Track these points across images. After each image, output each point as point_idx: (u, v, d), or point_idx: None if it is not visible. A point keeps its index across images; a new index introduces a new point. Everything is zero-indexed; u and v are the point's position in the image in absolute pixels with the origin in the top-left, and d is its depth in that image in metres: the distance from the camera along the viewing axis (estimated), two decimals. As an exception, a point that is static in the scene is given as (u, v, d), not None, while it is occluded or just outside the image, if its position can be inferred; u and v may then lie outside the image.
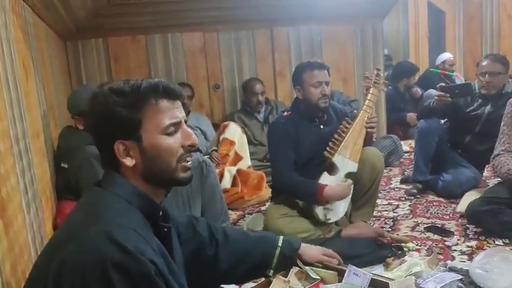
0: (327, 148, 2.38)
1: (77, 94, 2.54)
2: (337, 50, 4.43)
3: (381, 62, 4.51)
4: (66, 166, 2.34)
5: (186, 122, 1.13)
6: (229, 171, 3.42)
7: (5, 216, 1.28)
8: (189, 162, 1.13)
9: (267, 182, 3.40)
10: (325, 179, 2.39)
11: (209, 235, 1.43)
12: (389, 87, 4.87)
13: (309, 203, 2.41)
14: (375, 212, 2.74)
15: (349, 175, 2.39)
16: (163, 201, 1.18)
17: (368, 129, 2.38)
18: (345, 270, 1.49)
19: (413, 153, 3.51)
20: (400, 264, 1.98)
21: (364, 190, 2.50)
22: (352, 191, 2.42)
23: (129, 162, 1.06)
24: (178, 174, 1.11)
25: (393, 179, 3.72)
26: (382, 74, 2.51)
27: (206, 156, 3.05)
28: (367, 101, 2.45)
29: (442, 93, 3.03)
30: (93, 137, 1.11)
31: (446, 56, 6.05)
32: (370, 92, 2.46)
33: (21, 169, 1.58)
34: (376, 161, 2.49)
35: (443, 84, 3.43)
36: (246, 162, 3.59)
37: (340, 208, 2.43)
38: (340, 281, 1.50)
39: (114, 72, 4.05)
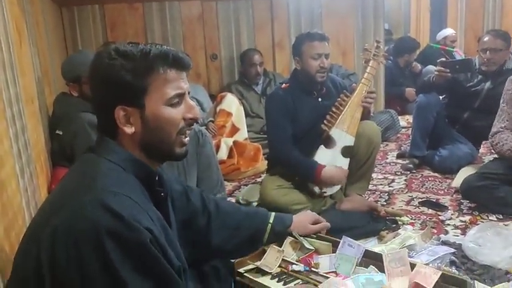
0: (324, 121, 2.36)
1: (72, 60, 2.50)
2: (338, 23, 4.37)
3: (382, 36, 4.45)
4: (61, 133, 2.32)
5: (189, 93, 1.10)
6: (226, 143, 3.41)
7: (-2, 180, 1.27)
8: (186, 138, 1.11)
9: (263, 154, 3.40)
10: (321, 152, 2.38)
11: (202, 205, 1.42)
12: (389, 61, 4.83)
13: (303, 178, 2.40)
14: (370, 185, 2.75)
15: (346, 149, 2.38)
16: (158, 168, 1.16)
17: (364, 104, 2.36)
18: (339, 242, 1.50)
19: (410, 128, 3.50)
20: (394, 237, 1.99)
21: (360, 164, 2.49)
22: (348, 164, 2.42)
23: (128, 129, 1.03)
24: (175, 148, 1.09)
25: (389, 153, 3.72)
26: (381, 47, 2.47)
27: (203, 127, 3.03)
28: (366, 73, 2.42)
29: (442, 68, 3.00)
30: (92, 98, 1.08)
31: (448, 31, 5.98)
32: (370, 64, 2.42)
33: (14, 133, 1.56)
34: (373, 136, 2.48)
35: (443, 59, 3.40)
36: (242, 134, 3.58)
37: (336, 181, 2.43)
38: (334, 251, 1.50)
39: (110, 40, 3.98)
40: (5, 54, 1.56)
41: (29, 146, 1.79)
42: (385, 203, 2.63)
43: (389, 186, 2.92)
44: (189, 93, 1.11)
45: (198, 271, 1.40)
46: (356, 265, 1.42)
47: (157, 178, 1.13)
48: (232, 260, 1.49)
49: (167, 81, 1.03)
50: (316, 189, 2.38)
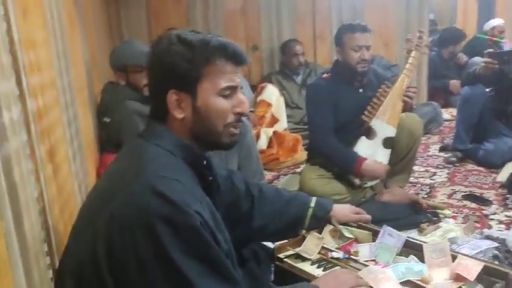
0: (365, 112, 2.35)
1: (118, 50, 2.58)
2: (380, 14, 4.30)
3: (426, 27, 4.35)
4: (108, 120, 2.41)
5: (241, 89, 1.12)
6: (266, 133, 3.44)
7: (54, 162, 1.35)
8: (236, 129, 1.12)
9: (302, 145, 3.41)
10: (362, 143, 2.37)
11: (245, 189, 1.44)
12: (433, 52, 4.71)
13: (342, 169, 2.40)
14: (411, 178, 2.72)
15: (387, 140, 2.36)
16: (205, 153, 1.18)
17: (405, 99, 2.32)
18: (379, 231, 1.50)
19: (454, 121, 3.43)
20: (434, 230, 1.97)
21: (401, 156, 2.47)
22: (389, 155, 2.39)
23: (178, 114, 1.06)
24: (223, 138, 1.10)
25: (432, 146, 3.65)
26: (424, 37, 2.43)
27: (244, 117, 3.07)
28: (408, 64, 2.38)
29: (489, 59, 2.92)
30: (148, 81, 1.11)
31: (496, 21, 5.75)
32: (412, 55, 2.39)
33: (67, 120, 1.64)
34: (415, 128, 2.44)
35: (491, 50, 3.29)
36: (282, 125, 3.60)
37: (377, 173, 2.41)
38: (373, 241, 1.51)
39: (154, 30, 4.07)
40: (59, 44, 1.64)
41: (80, 133, 1.88)
42: (426, 196, 2.59)
43: (431, 179, 2.88)
44: (241, 88, 1.13)
45: (238, 255, 1.43)
46: (396, 254, 1.42)
47: (205, 162, 1.16)
48: (272, 246, 1.52)
49: (222, 72, 1.05)
50: (356, 180, 2.37)
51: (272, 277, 1.49)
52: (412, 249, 1.43)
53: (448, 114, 4.37)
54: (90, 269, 0.94)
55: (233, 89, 1.08)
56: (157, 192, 0.92)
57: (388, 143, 2.36)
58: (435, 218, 2.23)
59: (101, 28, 3.28)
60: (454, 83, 4.63)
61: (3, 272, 0.83)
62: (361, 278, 1.25)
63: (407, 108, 2.38)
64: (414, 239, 1.49)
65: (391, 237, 1.47)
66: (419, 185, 2.78)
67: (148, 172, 0.97)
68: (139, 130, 2.24)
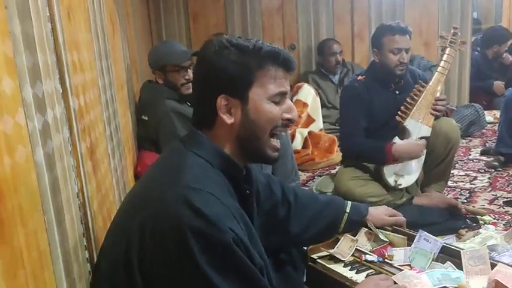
0: (399, 112, 2.31)
1: (157, 49, 2.64)
2: (421, 12, 4.21)
3: (469, 26, 4.24)
4: (147, 118, 2.46)
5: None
6: (301, 133, 3.43)
7: (94, 159, 1.39)
8: (277, 143, 1.11)
9: (338, 146, 3.38)
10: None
11: (282, 196, 1.42)
12: (476, 52, 4.57)
13: (377, 161, 2.35)
14: (450, 182, 2.65)
15: (422, 139, 2.31)
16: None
17: (433, 112, 2.26)
18: (415, 236, 1.47)
19: (497, 123, 3.31)
20: (473, 236, 1.92)
21: (437, 162, 2.41)
22: (424, 157, 2.34)
23: (227, 118, 1.04)
24: (266, 150, 1.09)
25: (473, 150, 3.54)
26: (459, 34, 2.36)
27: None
28: (442, 62, 2.33)
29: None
30: (195, 84, 1.11)
31: (544, 20, 5.53)
32: (446, 52, 2.33)
33: (107, 117, 1.69)
34: (451, 133, 2.37)
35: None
36: (318, 125, 3.59)
37: (412, 174, 2.37)
38: (409, 245, 1.48)
39: (192, 31, 4.13)
40: (100, 45, 1.68)
41: (119, 130, 1.93)
42: (465, 201, 2.52)
43: (471, 184, 2.79)
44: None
45: (274, 259, 1.43)
46: (432, 260, 1.39)
47: (245, 173, 1.14)
48: (305, 247, 1.51)
49: (273, 78, 1.05)
50: (391, 180, 2.33)
51: (304, 278, 1.49)
52: (449, 256, 1.40)
53: (491, 116, 4.23)
54: (123, 275, 0.95)
55: (283, 95, 1.07)
56: (190, 204, 0.91)
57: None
58: (474, 224, 2.16)
59: (141, 29, 3.35)
60: (498, 84, 4.47)
61: (45, 264, 0.87)
62: (396, 282, 1.24)
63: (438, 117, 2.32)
64: (451, 245, 1.45)
65: (427, 242, 1.44)
66: (459, 190, 2.70)
67: (183, 183, 0.96)
68: (177, 129, 2.30)
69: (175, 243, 0.89)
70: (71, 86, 1.18)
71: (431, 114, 2.28)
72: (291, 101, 3.42)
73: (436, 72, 2.32)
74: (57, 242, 0.94)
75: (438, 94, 2.32)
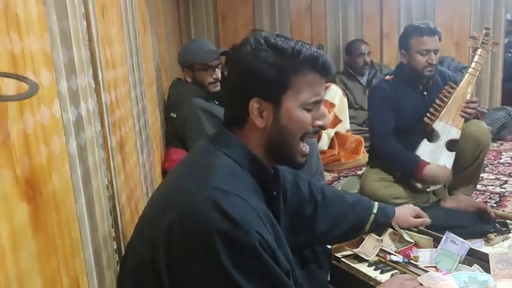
0: (428, 114, 2.27)
1: (186, 48, 2.67)
2: (452, 13, 4.14)
3: (502, 27, 4.14)
4: (175, 116, 2.50)
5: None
6: (327, 133, 3.42)
7: (123, 153, 1.42)
8: (306, 149, 1.08)
9: (365, 147, 3.35)
10: (424, 146, 2.30)
11: (309, 193, 1.42)
12: (510, 54, 4.46)
13: (404, 176, 2.33)
14: (479, 186, 2.60)
15: (450, 142, 2.27)
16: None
17: (463, 115, 2.22)
18: (441, 237, 1.46)
19: (530, 127, 3.22)
20: (502, 241, 1.87)
21: (466, 165, 2.36)
22: (453, 160, 2.30)
23: (259, 122, 1.02)
24: (295, 155, 1.07)
25: (504, 153, 3.46)
26: (491, 34, 2.31)
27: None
28: (473, 63, 2.28)
29: None
30: (228, 83, 1.09)
31: None
32: (478, 53, 2.28)
33: (137, 113, 1.73)
34: (481, 137, 2.32)
35: None
36: (344, 126, 3.56)
37: (441, 177, 2.33)
38: (435, 247, 1.46)
39: (221, 30, 4.17)
40: (132, 41, 1.73)
41: (148, 126, 1.97)
42: (495, 205, 2.47)
43: (502, 188, 2.73)
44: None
45: (299, 257, 1.41)
46: (459, 262, 1.37)
47: (272, 173, 1.13)
48: (330, 245, 1.51)
49: (309, 84, 1.01)
50: (418, 184, 2.30)
51: (328, 277, 1.49)
52: (477, 258, 1.38)
53: (524, 120, 4.12)
54: (150, 273, 0.95)
55: (318, 103, 1.04)
56: (218, 207, 0.89)
57: (452, 145, 2.27)
58: (504, 229, 2.11)
59: (171, 28, 3.41)
60: (531, 87, 4.36)
61: (76, 251, 0.90)
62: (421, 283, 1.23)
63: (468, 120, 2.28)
64: (479, 248, 1.43)
65: (454, 244, 1.42)
66: (488, 193, 2.64)
67: (212, 185, 0.94)
68: (204, 126, 2.33)
69: (202, 245, 0.89)
70: (103, 81, 1.22)
71: (461, 116, 2.24)
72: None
73: (467, 74, 2.27)
74: (87, 231, 0.98)
75: (468, 96, 2.28)
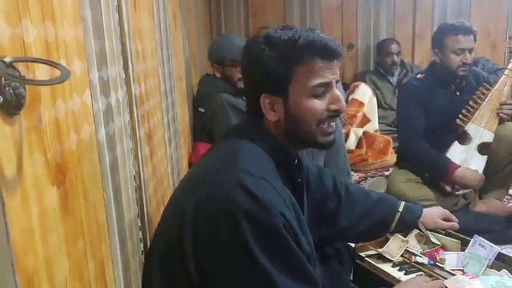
0: (460, 116, 2.22)
1: (216, 43, 2.69)
2: (489, 12, 4.02)
3: (542, 27, 4.00)
4: (203, 110, 2.52)
5: (337, 83, 1.07)
6: (355, 133, 3.38)
7: (151, 144, 1.45)
8: (330, 128, 1.06)
9: (393, 148, 3.31)
10: (455, 148, 2.25)
11: (333, 188, 1.42)
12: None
13: (433, 177, 2.28)
14: (511, 190, 2.52)
15: (483, 145, 2.21)
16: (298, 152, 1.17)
17: (499, 114, 2.16)
18: (469, 240, 1.42)
19: None
20: (534, 247, 1.82)
21: (498, 168, 2.30)
22: (485, 163, 2.24)
23: (272, 117, 1.04)
24: (318, 137, 1.06)
25: (538, 158, 3.35)
26: None
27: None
28: (511, 64, 2.21)
29: None
30: (243, 81, 1.12)
31: None
32: None
33: (166, 106, 1.75)
34: None
35: None
36: (373, 125, 3.52)
37: (472, 181, 2.28)
38: (462, 250, 1.43)
39: (251, 27, 4.17)
40: (162, 35, 1.75)
41: (176, 120, 1.99)
42: (527, 211, 2.39)
43: (535, 194, 2.64)
44: (337, 82, 1.07)
45: (321, 252, 1.43)
46: (487, 267, 1.34)
47: (296, 161, 1.15)
48: (353, 244, 1.50)
49: (312, 71, 1.01)
50: (448, 187, 2.25)
51: (351, 276, 1.47)
52: (506, 264, 1.34)
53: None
54: (176, 252, 0.97)
55: (326, 85, 1.02)
56: (244, 187, 0.91)
57: (484, 149, 2.21)
58: (536, 235, 2.05)
59: (201, 23, 3.43)
60: None
61: (102, 236, 0.92)
62: (446, 286, 1.20)
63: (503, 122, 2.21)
64: (509, 253, 1.39)
65: (483, 248, 1.39)
66: (521, 199, 2.57)
67: (239, 167, 0.97)
68: (231, 122, 2.33)
69: (228, 224, 0.90)
70: (133, 73, 1.24)
71: (498, 116, 2.17)
72: (347, 100, 3.38)
73: (503, 75, 2.21)
74: (114, 218, 1.00)
75: (504, 98, 2.21)
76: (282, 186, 1.02)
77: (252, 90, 1.07)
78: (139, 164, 1.25)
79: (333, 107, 1.04)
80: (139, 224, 1.25)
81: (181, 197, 1.05)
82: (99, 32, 0.97)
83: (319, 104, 1.03)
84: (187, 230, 0.95)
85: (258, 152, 1.04)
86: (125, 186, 1.10)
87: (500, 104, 2.18)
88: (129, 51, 1.20)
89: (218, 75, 2.53)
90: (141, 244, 1.25)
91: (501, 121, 2.21)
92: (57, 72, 0.61)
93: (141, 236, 1.25)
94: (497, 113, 2.17)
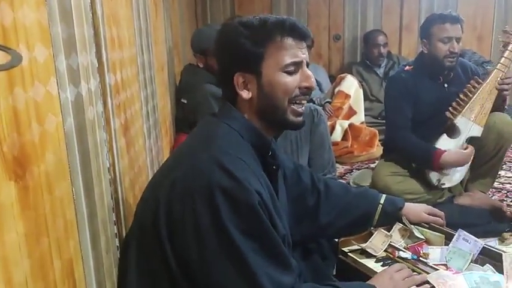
0: (450, 108, 2.19)
1: (200, 32, 2.63)
2: (476, 5, 4.01)
3: (528, 21, 4.00)
4: (186, 101, 2.47)
5: (308, 65, 1.11)
6: (341, 125, 3.35)
7: (128, 136, 1.39)
8: (301, 107, 1.11)
9: (379, 140, 3.29)
10: (443, 141, 2.22)
11: (312, 184, 1.42)
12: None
13: (421, 165, 2.27)
14: (496, 183, 2.51)
15: (471, 140, 2.20)
16: (273, 142, 1.19)
17: (499, 90, 2.14)
18: (453, 235, 1.40)
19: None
20: (517, 241, 1.82)
21: (485, 159, 2.28)
22: (471, 158, 2.23)
23: (245, 94, 1.08)
24: (288, 116, 1.10)
25: (524, 151, 3.36)
26: None
27: (319, 107, 3.01)
28: (503, 58, 2.18)
29: None
30: (217, 65, 1.14)
31: None
32: (509, 48, 2.18)
33: (145, 97, 1.69)
34: (504, 130, 2.23)
35: None
36: (359, 118, 3.49)
37: (457, 174, 2.26)
38: (446, 244, 1.41)
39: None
40: (141, 23, 1.69)
41: (157, 110, 1.94)
42: (511, 204, 2.39)
43: (519, 186, 2.65)
44: (307, 64, 1.11)
45: (303, 248, 1.41)
46: (471, 262, 1.31)
47: (270, 153, 1.16)
48: (337, 239, 1.47)
49: (283, 48, 1.05)
50: (434, 180, 2.24)
51: (334, 271, 1.45)
52: (490, 258, 1.32)
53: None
54: (151, 232, 0.98)
55: (298, 64, 1.07)
56: (221, 165, 0.94)
57: (472, 143, 2.20)
58: (520, 228, 2.05)
59: (186, 12, 3.37)
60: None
61: (70, 233, 0.87)
62: (428, 281, 1.18)
63: (499, 102, 2.18)
64: (493, 248, 1.37)
65: (467, 242, 1.37)
66: (505, 191, 2.57)
67: (216, 147, 1.00)
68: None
69: (204, 198, 0.92)
70: (108, 61, 1.19)
71: (498, 89, 2.15)
72: (333, 92, 3.35)
73: (495, 69, 2.18)
74: (84, 214, 0.95)
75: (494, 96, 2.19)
76: (258, 168, 1.05)
77: (225, 70, 1.10)
78: (114, 157, 1.20)
79: (304, 83, 1.09)
80: (115, 219, 1.20)
81: (157, 181, 1.06)
82: (67, 16, 0.91)
83: (290, 81, 1.07)
84: (162, 209, 0.96)
85: (235, 135, 1.07)
86: (97, 179, 1.05)
87: (501, 79, 2.15)
88: (102, 38, 1.14)
89: (201, 65, 2.48)
90: (116, 239, 1.20)
91: (500, 104, 2.18)
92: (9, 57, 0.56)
93: (116, 231, 1.20)
94: (498, 85, 2.13)
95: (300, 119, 1.12)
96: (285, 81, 1.06)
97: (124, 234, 1.24)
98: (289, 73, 1.07)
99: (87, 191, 0.98)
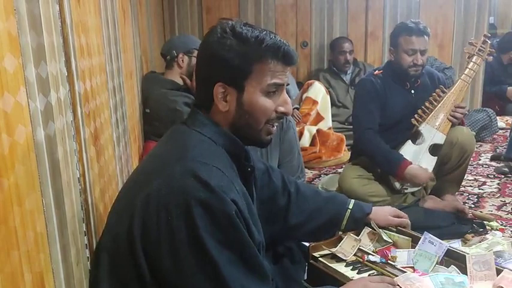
0: (415, 116, 2.26)
1: (182, 36, 2.64)
2: (437, 14, 4.16)
3: (485, 30, 4.16)
4: (149, 111, 2.45)
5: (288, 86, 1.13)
6: (309, 131, 3.40)
7: (98, 145, 1.38)
8: (274, 127, 1.12)
9: (346, 145, 3.35)
10: (408, 147, 2.30)
11: (282, 185, 1.43)
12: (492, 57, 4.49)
13: (384, 169, 2.33)
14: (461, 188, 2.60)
15: (434, 147, 2.27)
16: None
17: (451, 119, 2.22)
18: (420, 237, 1.45)
19: (509, 129, 3.26)
20: (480, 242, 1.88)
21: (449, 171, 2.37)
22: (434, 165, 2.30)
23: (222, 106, 1.06)
24: (261, 135, 1.11)
25: (483, 155, 3.49)
26: (489, 42, 2.31)
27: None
28: (468, 70, 2.27)
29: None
30: (198, 69, 1.11)
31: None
32: (473, 60, 2.27)
33: (114, 104, 1.67)
34: (467, 143, 2.32)
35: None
36: (327, 123, 3.55)
37: (421, 179, 2.33)
38: (413, 247, 1.45)
39: (205, 24, 4.11)
40: (110, 31, 1.67)
41: (126, 118, 1.92)
42: (473, 206, 2.48)
43: (480, 189, 2.75)
44: (287, 85, 1.13)
45: (273, 252, 1.43)
46: (436, 263, 1.36)
47: (244, 154, 1.16)
48: (307, 244, 1.49)
49: (271, 71, 1.05)
50: (397, 184, 2.30)
51: (305, 276, 1.47)
52: (454, 260, 1.37)
53: (503, 122, 4.17)
54: (125, 245, 0.97)
55: (279, 87, 1.07)
56: (196, 176, 0.93)
57: (435, 150, 2.27)
58: (481, 230, 2.13)
59: (154, 19, 3.34)
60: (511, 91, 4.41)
61: (41, 246, 0.86)
62: (397, 284, 1.21)
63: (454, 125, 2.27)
64: (457, 249, 1.42)
65: (432, 244, 1.41)
66: (467, 194, 2.66)
67: (190, 157, 0.99)
68: (181, 117, 2.29)
69: (180, 210, 0.91)
70: (77, 70, 1.17)
71: (449, 120, 2.23)
72: (301, 98, 3.39)
73: (460, 80, 2.27)
74: (55, 225, 0.93)
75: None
76: (233, 175, 1.05)
77: (207, 77, 1.08)
78: (84, 166, 1.18)
79: (281, 109, 1.09)
80: (85, 229, 1.18)
81: (130, 191, 1.04)
82: (36, 26, 0.90)
83: (269, 103, 1.07)
84: (136, 221, 0.95)
85: (208, 142, 1.06)
86: (67, 190, 1.04)
87: (455, 107, 2.23)
88: (71, 47, 1.13)
89: (183, 65, 2.46)
90: (87, 250, 1.18)
91: (453, 124, 2.27)
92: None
93: (86, 242, 1.18)
94: (449, 116, 2.22)
95: (269, 137, 1.13)
96: (264, 103, 1.06)
97: (94, 245, 1.22)
98: (269, 95, 1.06)
99: (58, 202, 0.96)
